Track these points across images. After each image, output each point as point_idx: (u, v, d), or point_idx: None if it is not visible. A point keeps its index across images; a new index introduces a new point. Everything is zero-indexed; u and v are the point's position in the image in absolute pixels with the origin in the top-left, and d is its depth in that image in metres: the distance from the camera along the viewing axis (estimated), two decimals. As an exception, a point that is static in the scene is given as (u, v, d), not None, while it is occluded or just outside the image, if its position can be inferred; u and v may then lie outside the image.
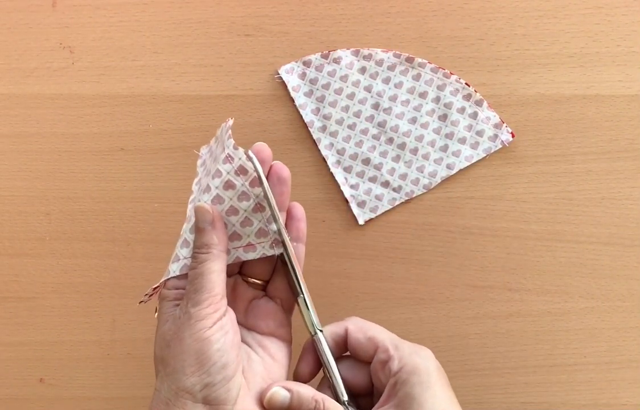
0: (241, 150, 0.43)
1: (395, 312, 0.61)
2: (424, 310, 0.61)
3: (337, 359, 0.45)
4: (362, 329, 0.45)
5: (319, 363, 0.45)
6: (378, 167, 0.60)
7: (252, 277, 0.46)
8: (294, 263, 0.44)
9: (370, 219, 0.60)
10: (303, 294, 0.45)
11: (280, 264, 0.45)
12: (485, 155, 0.59)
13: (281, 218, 0.44)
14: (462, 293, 0.61)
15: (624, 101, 0.59)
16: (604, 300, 0.60)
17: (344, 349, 0.46)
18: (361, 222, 0.60)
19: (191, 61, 0.61)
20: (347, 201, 0.60)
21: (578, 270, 0.60)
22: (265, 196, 0.43)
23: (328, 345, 0.45)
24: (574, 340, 0.60)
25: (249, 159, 0.43)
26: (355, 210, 0.60)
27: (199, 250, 0.41)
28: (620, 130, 0.60)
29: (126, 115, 0.61)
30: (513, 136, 0.59)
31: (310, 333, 0.45)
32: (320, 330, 0.45)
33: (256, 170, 0.43)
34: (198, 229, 0.41)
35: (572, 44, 0.59)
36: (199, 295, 0.39)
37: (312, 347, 0.45)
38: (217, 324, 0.39)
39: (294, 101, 0.60)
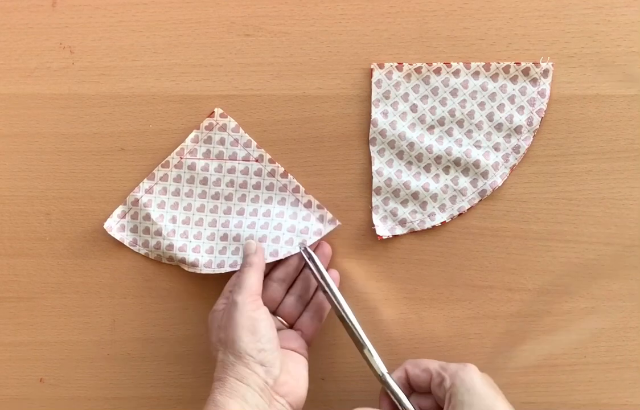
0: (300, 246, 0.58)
1: (395, 312, 0.61)
2: (424, 310, 0.61)
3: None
4: (416, 365, 0.55)
5: (394, 404, 0.55)
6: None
7: (284, 318, 0.59)
8: (357, 327, 0.56)
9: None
10: (367, 347, 0.56)
11: (340, 323, 0.57)
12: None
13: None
14: (462, 293, 0.61)
15: (624, 101, 0.59)
16: (604, 300, 0.60)
17: (408, 388, 0.56)
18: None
19: (191, 61, 0.61)
20: (348, 202, 0.60)
21: (578, 270, 0.60)
22: (327, 290, 0.57)
23: (395, 382, 0.55)
24: (574, 340, 0.60)
25: (309, 256, 0.58)
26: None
27: (243, 266, 0.55)
28: (620, 130, 0.60)
29: (126, 115, 0.61)
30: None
31: (379, 376, 0.55)
32: (387, 373, 0.55)
33: (315, 264, 0.57)
34: (245, 255, 0.56)
35: (572, 44, 0.59)
36: (242, 290, 0.53)
37: (384, 393, 0.55)
38: (259, 310, 0.53)
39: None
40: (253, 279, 0.54)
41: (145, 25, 0.61)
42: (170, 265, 0.61)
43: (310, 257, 0.58)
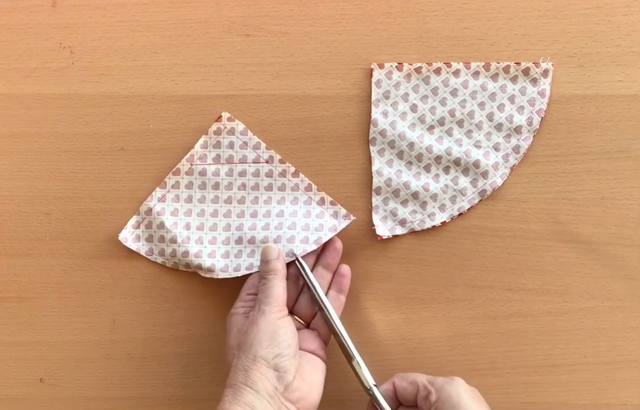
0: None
1: (395, 312, 0.61)
2: (424, 310, 0.61)
3: None
4: (404, 378, 0.55)
5: None
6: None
7: (300, 318, 0.59)
8: (347, 340, 0.56)
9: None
10: (356, 358, 0.56)
11: (334, 338, 0.57)
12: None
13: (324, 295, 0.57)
14: (462, 293, 0.61)
15: (624, 101, 0.59)
16: (604, 300, 0.60)
17: (396, 402, 0.56)
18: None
19: (191, 61, 0.61)
20: (348, 202, 0.60)
21: (578, 270, 0.60)
22: (316, 297, 0.57)
23: (383, 396, 0.55)
24: (574, 340, 0.60)
25: (300, 263, 0.58)
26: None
27: (267, 273, 0.55)
28: (620, 130, 0.60)
29: (126, 115, 0.61)
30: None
31: (366, 389, 0.55)
32: (375, 386, 0.55)
33: (304, 271, 0.57)
34: (266, 260, 0.55)
35: (572, 44, 0.59)
36: (269, 300, 0.54)
37: (372, 405, 0.55)
38: (283, 319, 0.53)
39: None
40: (279, 289, 0.54)
41: (145, 25, 0.61)
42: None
43: (299, 263, 0.58)
